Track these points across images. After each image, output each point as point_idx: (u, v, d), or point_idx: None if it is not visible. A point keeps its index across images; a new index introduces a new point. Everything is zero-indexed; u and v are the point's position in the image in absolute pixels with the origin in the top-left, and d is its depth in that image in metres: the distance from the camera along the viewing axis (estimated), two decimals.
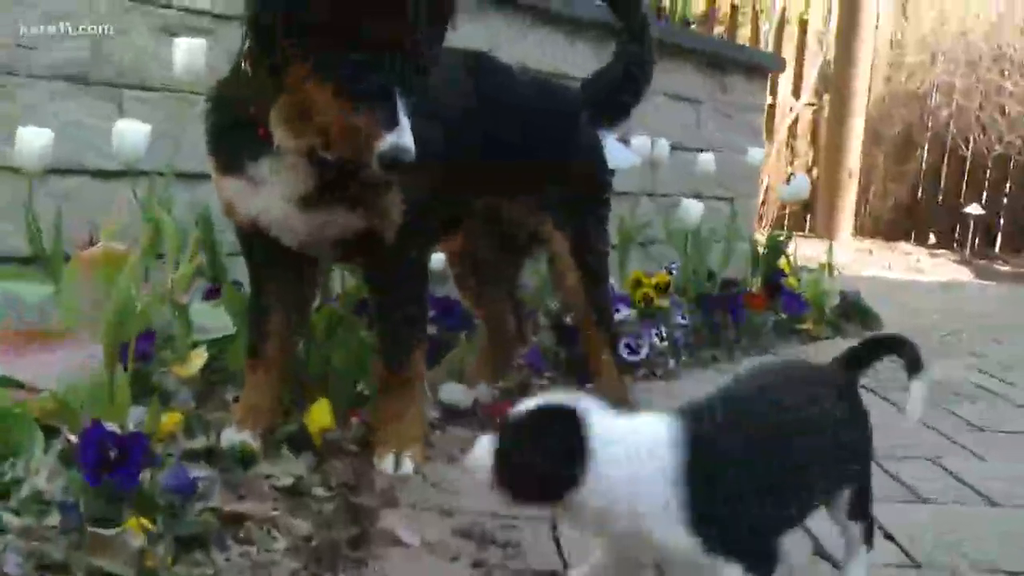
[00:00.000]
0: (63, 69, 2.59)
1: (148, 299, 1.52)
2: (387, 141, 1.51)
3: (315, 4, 1.51)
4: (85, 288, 1.69)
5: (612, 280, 3.62)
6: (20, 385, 1.55)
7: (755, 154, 4.26)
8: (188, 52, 2.46)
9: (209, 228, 2.47)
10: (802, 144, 11.01)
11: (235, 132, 1.72)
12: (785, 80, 10.99)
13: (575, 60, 4.02)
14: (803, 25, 11.28)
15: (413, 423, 1.97)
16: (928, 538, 1.85)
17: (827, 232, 9.61)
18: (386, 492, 1.84)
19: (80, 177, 2.63)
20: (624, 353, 3.00)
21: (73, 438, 1.65)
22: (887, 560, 1.73)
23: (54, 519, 1.37)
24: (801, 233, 10.20)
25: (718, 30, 11.39)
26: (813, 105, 11.03)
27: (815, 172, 10.24)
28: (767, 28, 10.51)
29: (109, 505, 1.35)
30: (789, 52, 11.08)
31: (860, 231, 10.56)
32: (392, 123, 1.52)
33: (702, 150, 4.68)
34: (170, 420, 1.78)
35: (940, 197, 10.83)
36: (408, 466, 1.91)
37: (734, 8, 11.43)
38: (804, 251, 6.17)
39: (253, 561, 1.40)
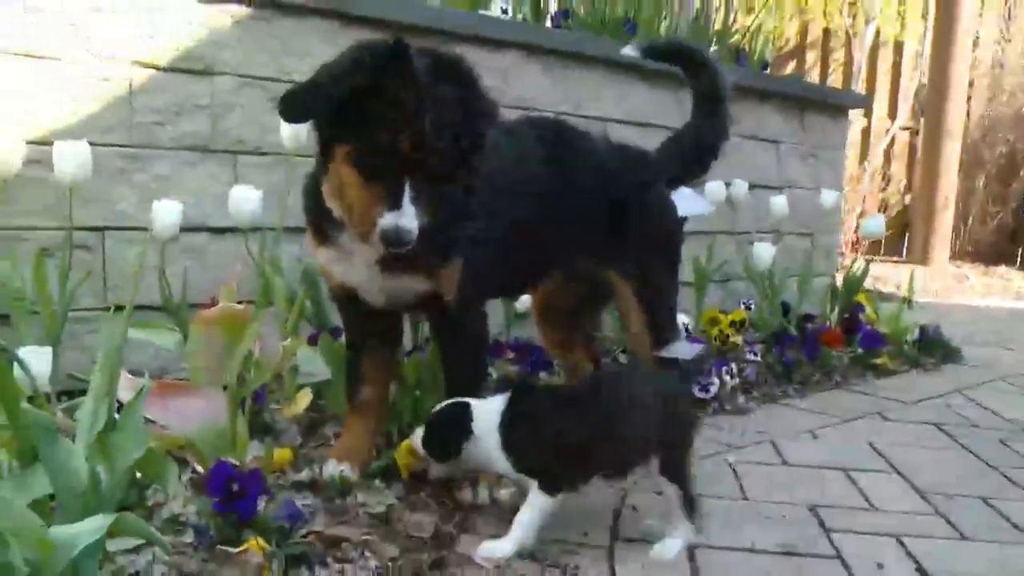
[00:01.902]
0: (187, 141, 2.95)
1: (265, 367, 1.80)
2: (387, 220, 1.77)
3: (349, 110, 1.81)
4: (207, 344, 1.99)
5: (687, 319, 3.83)
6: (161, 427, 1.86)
7: (828, 196, 4.40)
8: None
9: (313, 281, 2.78)
10: (899, 167, 10.92)
11: (326, 209, 2.01)
12: (880, 102, 10.96)
13: (655, 110, 4.24)
14: (898, 46, 11.21)
15: None
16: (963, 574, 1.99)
17: (923, 257, 9.53)
18: (465, 520, 2.09)
19: (203, 234, 2.99)
20: (695, 390, 3.20)
21: (200, 469, 1.97)
22: None
23: (189, 537, 1.67)
24: (897, 259, 10.14)
25: (811, 55, 11.45)
26: (909, 128, 10.92)
27: (907, 197, 10.16)
28: (859, 55, 10.48)
29: (232, 528, 1.63)
30: (884, 74, 11.04)
31: (959, 255, 10.41)
32: (395, 204, 1.77)
33: (782, 189, 4.84)
34: (281, 456, 2.08)
35: None
36: (484, 495, 2.16)
37: (827, 32, 11.45)
38: (899, 278, 6.13)
39: None
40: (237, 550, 1.53)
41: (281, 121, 2.80)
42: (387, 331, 2.25)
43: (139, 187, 2.87)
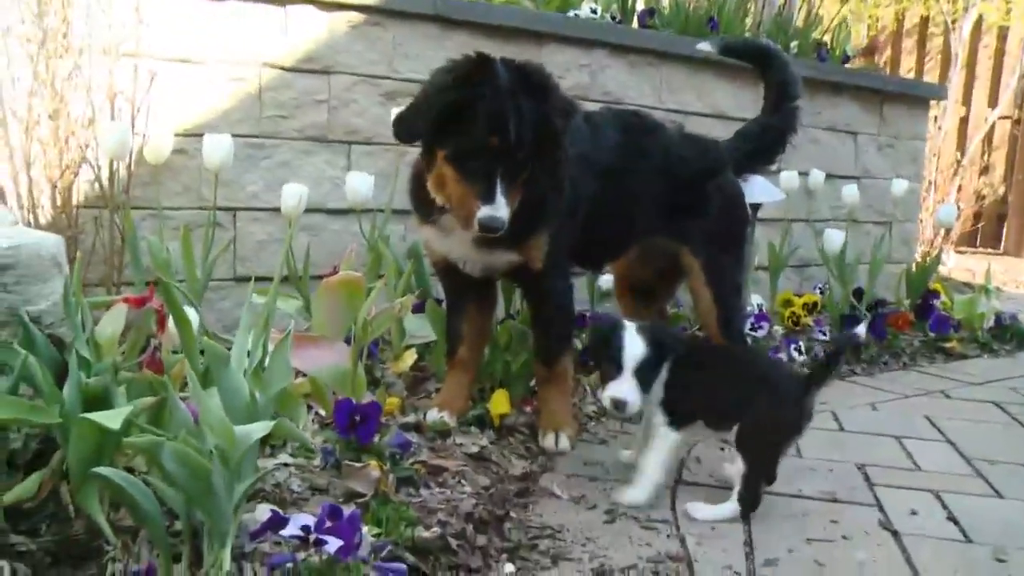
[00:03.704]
0: (307, 132, 3.34)
1: (383, 316, 2.15)
2: (484, 211, 2.11)
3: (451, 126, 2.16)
4: (330, 306, 2.34)
5: (762, 300, 4.07)
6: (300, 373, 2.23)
7: (899, 185, 4.57)
8: None
9: (418, 256, 3.13)
10: (998, 157, 10.78)
11: (428, 194, 2.35)
12: (980, 90, 10.82)
13: (735, 102, 4.47)
14: (1001, 32, 11.02)
15: (565, 409, 2.55)
16: (991, 525, 2.21)
17: (1017, 249, 9.44)
18: (547, 462, 2.42)
19: (321, 215, 3.38)
20: None
21: (323, 412, 2.33)
22: (944, 535, 2.14)
23: (316, 460, 2.03)
24: (992, 251, 10.05)
25: (908, 42, 11.36)
26: (1008, 117, 10.75)
27: (1001, 189, 10.04)
28: (957, 43, 10.36)
29: (353, 452, 1.99)
30: (985, 60, 10.89)
31: None
32: (489, 199, 2.11)
33: (860, 178, 5.01)
34: (391, 403, 2.44)
35: None
36: (565, 443, 2.49)
37: (924, 20, 11.34)
38: (993, 268, 6.16)
39: (448, 498, 1.99)
40: (360, 465, 1.89)
41: (391, 114, 3.19)
42: (483, 298, 2.59)
43: (265, 173, 3.27)
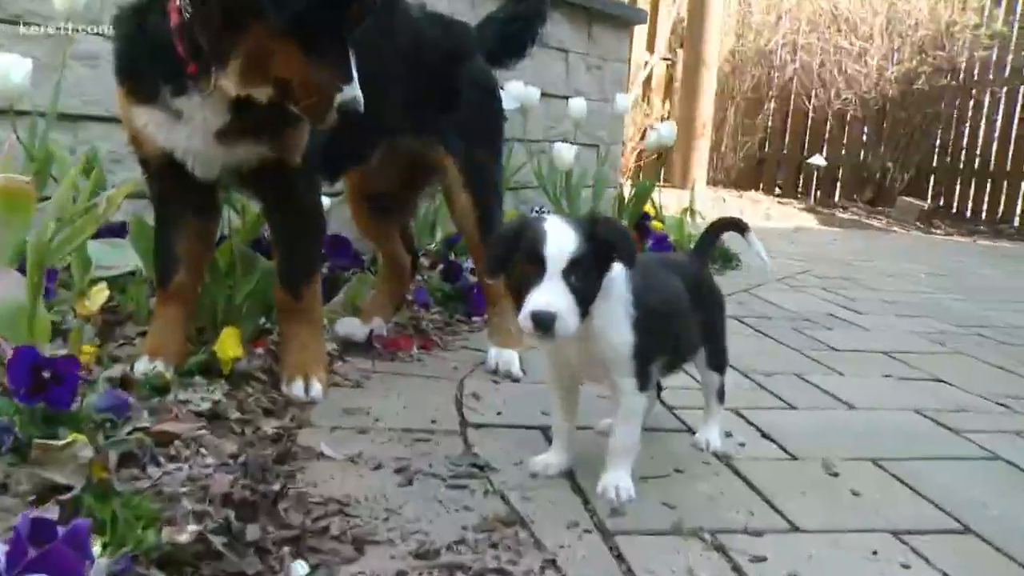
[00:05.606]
0: None
1: (78, 224, 1.52)
2: (348, 91, 1.72)
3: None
4: None
5: None
6: None
7: (622, 101, 4.45)
8: None
9: (99, 169, 2.42)
10: (657, 98, 11.38)
11: (152, 64, 1.75)
12: (639, 36, 11.33)
13: (447, 8, 4.07)
14: None
15: (316, 348, 2.06)
16: (801, 438, 2.08)
17: (682, 182, 10.02)
18: (299, 415, 1.91)
19: None
20: None
21: None
22: (769, 455, 1.96)
23: None
24: (657, 183, 10.62)
25: None
26: (668, 60, 11.39)
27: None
28: None
29: (41, 425, 1.37)
30: (643, 7, 11.42)
31: (713, 181, 11.05)
32: (349, 78, 1.72)
33: (569, 98, 4.84)
34: (85, 352, 1.80)
35: (786, 149, 11.47)
36: (318, 389, 2.00)
37: None
38: (662, 199, 6.50)
39: (190, 476, 1.44)
40: (61, 443, 1.28)
41: None
42: (206, 211, 2.01)
43: None
